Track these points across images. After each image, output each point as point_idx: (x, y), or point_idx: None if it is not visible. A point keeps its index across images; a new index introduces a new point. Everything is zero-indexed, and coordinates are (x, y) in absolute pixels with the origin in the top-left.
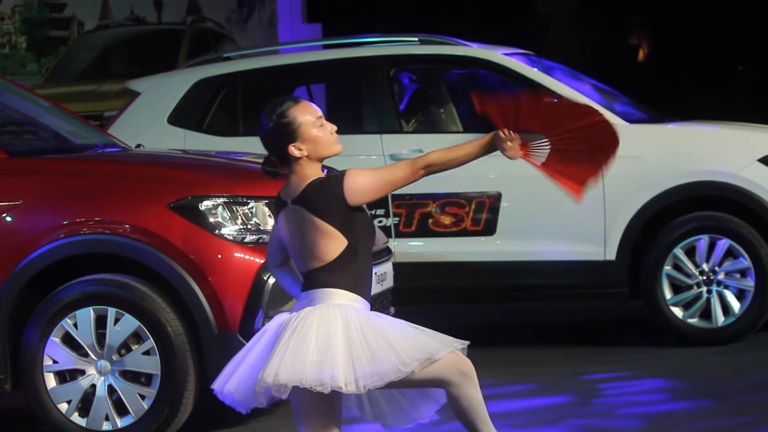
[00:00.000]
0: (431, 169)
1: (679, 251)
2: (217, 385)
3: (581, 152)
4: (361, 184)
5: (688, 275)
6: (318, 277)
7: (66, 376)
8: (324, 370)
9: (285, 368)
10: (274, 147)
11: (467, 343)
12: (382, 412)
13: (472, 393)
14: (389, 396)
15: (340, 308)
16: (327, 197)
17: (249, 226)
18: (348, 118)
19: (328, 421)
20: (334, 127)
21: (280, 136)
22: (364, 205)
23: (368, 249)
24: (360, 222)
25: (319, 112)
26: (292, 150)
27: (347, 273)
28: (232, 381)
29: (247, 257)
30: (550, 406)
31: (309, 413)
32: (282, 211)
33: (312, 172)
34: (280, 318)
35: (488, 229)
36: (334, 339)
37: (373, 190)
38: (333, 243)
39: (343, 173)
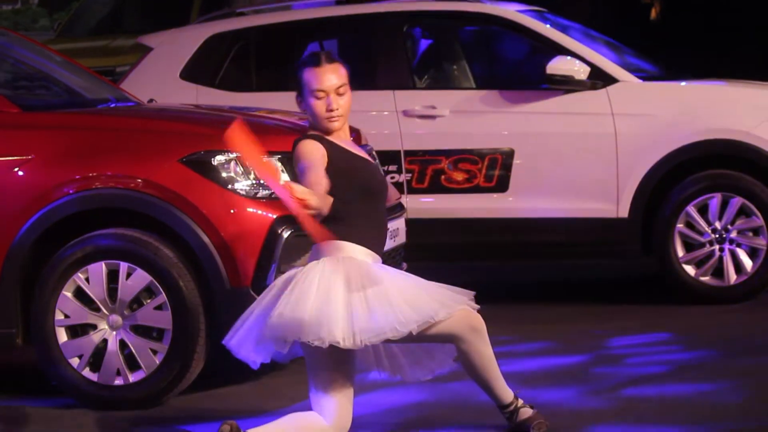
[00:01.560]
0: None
1: (691, 209)
2: (227, 340)
3: None
4: (297, 165)
5: (701, 233)
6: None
7: (77, 331)
8: (322, 324)
9: (284, 322)
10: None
11: (472, 293)
12: (399, 365)
13: (483, 348)
14: (405, 349)
15: (344, 262)
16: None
17: (262, 181)
18: (361, 74)
19: (340, 374)
20: (338, 107)
21: (296, 85)
22: (368, 159)
23: (370, 200)
24: (348, 177)
25: (326, 84)
26: (296, 99)
27: (352, 225)
28: (238, 336)
29: (259, 212)
30: (561, 362)
31: (321, 367)
32: None
33: (311, 129)
34: (289, 273)
35: (501, 185)
36: (335, 294)
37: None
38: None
39: (298, 141)
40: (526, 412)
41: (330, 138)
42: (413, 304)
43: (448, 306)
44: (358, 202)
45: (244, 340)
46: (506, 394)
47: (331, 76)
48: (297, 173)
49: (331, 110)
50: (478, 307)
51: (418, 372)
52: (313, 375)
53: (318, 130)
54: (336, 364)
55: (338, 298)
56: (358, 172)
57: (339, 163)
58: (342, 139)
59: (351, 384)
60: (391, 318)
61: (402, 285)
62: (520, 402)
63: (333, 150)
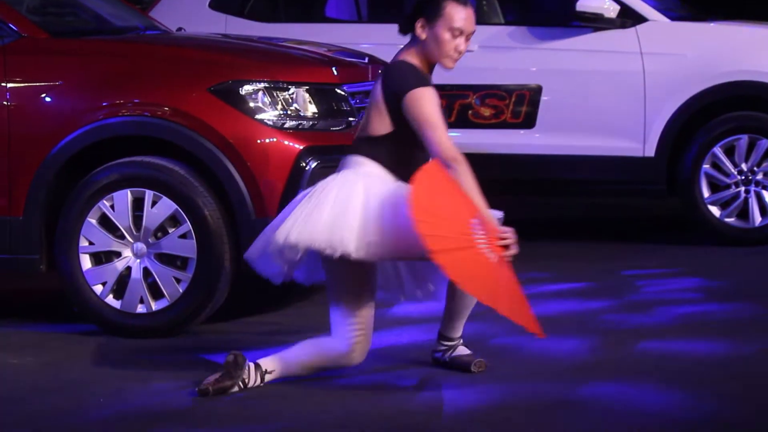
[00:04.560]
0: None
1: (718, 150)
2: (248, 253)
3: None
4: (423, 102)
5: (727, 174)
6: (359, 145)
7: (101, 258)
8: (335, 233)
9: (297, 228)
10: (413, 7)
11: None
12: (428, 290)
13: None
14: (430, 269)
15: (366, 176)
16: (396, 80)
17: (289, 112)
18: (392, 9)
19: (360, 296)
20: (463, 50)
21: (423, 5)
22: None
23: (414, 147)
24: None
25: (466, 26)
26: (417, 25)
27: (387, 152)
28: (257, 247)
29: (286, 143)
30: (585, 300)
31: (341, 286)
32: None
33: (413, 58)
34: (318, 184)
35: (528, 122)
36: (352, 205)
37: (417, 124)
38: (381, 121)
39: (427, 81)
40: (464, 350)
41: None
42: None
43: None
44: (404, 138)
45: (262, 250)
46: (460, 330)
47: (472, 21)
48: (414, 109)
49: (459, 52)
50: None
51: (439, 291)
52: (333, 295)
53: (424, 59)
54: (356, 284)
55: (356, 210)
56: None
57: None
58: None
59: (370, 308)
60: (399, 238)
61: None
62: (462, 342)
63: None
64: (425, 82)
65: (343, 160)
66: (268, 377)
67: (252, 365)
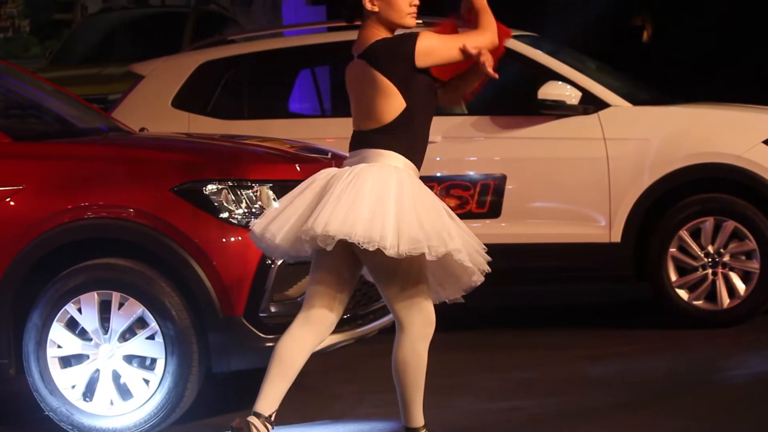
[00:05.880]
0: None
1: (684, 233)
2: (257, 227)
3: None
4: (433, 45)
5: (694, 257)
6: (373, 138)
7: (70, 361)
8: (374, 228)
9: (336, 220)
10: None
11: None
12: (438, 290)
13: (423, 353)
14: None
15: (395, 170)
16: (394, 53)
17: (253, 210)
18: None
19: (341, 278)
20: (417, 2)
21: None
22: (430, 72)
23: (427, 115)
24: (422, 85)
25: None
26: (365, 2)
27: (402, 137)
28: (276, 225)
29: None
30: (551, 384)
31: (328, 267)
32: (348, 65)
33: (380, 33)
34: (329, 171)
35: (493, 211)
36: (388, 200)
37: (443, 54)
38: (391, 102)
39: (416, 34)
40: None
41: None
42: (448, 230)
43: (465, 253)
44: (418, 109)
45: (283, 231)
46: (420, 417)
47: None
48: (433, 51)
49: (414, 5)
50: (482, 278)
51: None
52: (321, 271)
53: (386, 29)
54: (347, 272)
55: (390, 205)
56: (428, 76)
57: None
58: None
59: (348, 295)
60: (438, 233)
61: (443, 208)
62: None
63: None
64: (413, 33)
65: (358, 155)
66: (273, 415)
67: (253, 418)
